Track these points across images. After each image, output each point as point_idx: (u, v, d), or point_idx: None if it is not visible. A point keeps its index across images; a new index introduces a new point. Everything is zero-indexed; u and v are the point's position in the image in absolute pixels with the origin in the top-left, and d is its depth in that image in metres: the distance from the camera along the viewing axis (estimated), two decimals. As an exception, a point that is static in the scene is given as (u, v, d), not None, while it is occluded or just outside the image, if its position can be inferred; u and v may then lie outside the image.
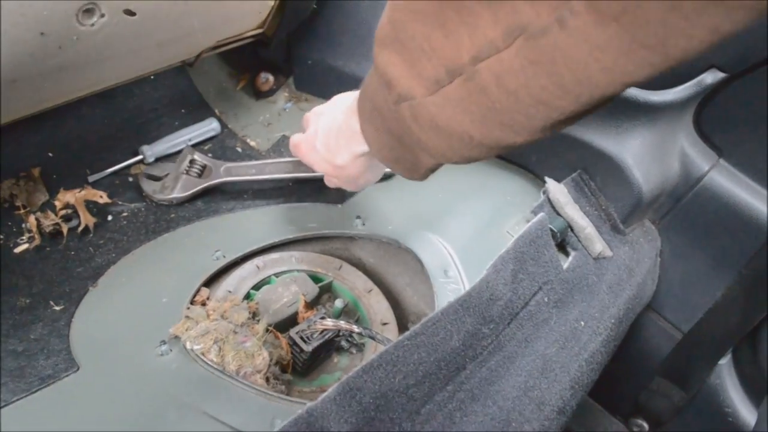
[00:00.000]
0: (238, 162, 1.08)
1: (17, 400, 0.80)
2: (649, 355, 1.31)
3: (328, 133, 0.83)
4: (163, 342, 0.87)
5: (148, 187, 1.06)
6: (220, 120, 1.37)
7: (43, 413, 0.79)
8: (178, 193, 1.06)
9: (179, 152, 1.27)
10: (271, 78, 1.42)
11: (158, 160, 1.26)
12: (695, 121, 1.09)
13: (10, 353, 0.87)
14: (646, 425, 1.38)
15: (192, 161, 1.06)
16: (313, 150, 0.86)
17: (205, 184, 1.08)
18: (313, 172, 0.96)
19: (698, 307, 1.19)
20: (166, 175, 1.08)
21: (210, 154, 1.12)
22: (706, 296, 1.17)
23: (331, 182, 0.92)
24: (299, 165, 1.01)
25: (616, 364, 1.17)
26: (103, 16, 0.82)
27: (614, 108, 1.04)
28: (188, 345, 0.85)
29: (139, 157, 1.25)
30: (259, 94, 1.44)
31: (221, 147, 1.32)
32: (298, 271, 1.02)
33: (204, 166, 1.07)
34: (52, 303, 0.97)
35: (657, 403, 1.32)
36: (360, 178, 0.85)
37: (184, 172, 1.07)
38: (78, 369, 0.85)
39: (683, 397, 1.27)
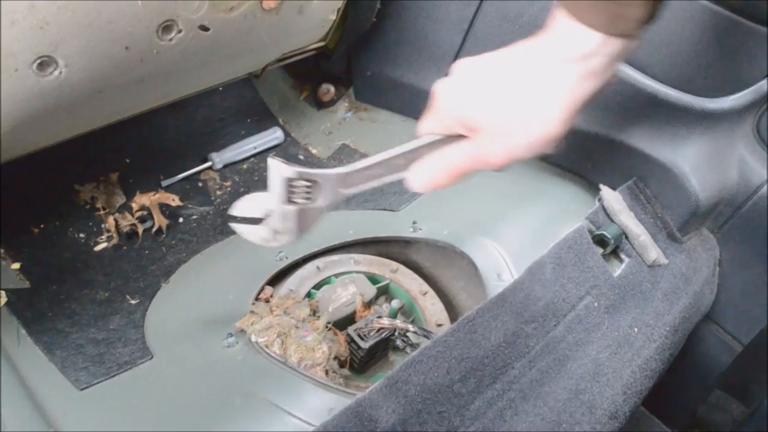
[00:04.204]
0: (350, 165, 0.72)
1: (98, 382, 0.87)
2: (707, 367, 1.29)
3: (497, 62, 0.65)
4: (230, 335, 0.92)
5: (253, 236, 0.77)
6: (283, 129, 1.43)
7: (121, 395, 0.85)
8: (298, 236, 0.76)
9: (247, 159, 1.33)
10: (332, 89, 1.48)
11: (226, 166, 1.34)
12: (756, 128, 1.08)
13: (91, 341, 0.95)
14: (704, 439, 1.36)
15: (291, 183, 0.72)
16: (471, 94, 0.65)
17: (324, 210, 0.75)
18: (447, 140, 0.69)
19: (759, 318, 1.16)
20: (267, 214, 0.76)
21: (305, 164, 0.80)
22: None
23: (490, 152, 0.65)
24: (432, 147, 0.70)
25: (674, 375, 1.16)
26: (180, 31, 0.88)
27: (670, 116, 1.04)
28: (253, 338, 0.90)
29: (209, 163, 1.33)
30: (320, 105, 1.50)
31: (285, 155, 1.39)
32: (356, 272, 1.07)
33: (309, 186, 0.73)
34: (128, 297, 1.04)
35: (716, 416, 1.30)
36: (566, 108, 0.62)
37: (287, 201, 0.74)
38: (152, 357, 0.91)
39: (743, 412, 1.24)
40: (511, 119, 0.62)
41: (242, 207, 0.77)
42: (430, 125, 0.70)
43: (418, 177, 0.70)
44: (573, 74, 0.61)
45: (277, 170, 0.72)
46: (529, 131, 0.63)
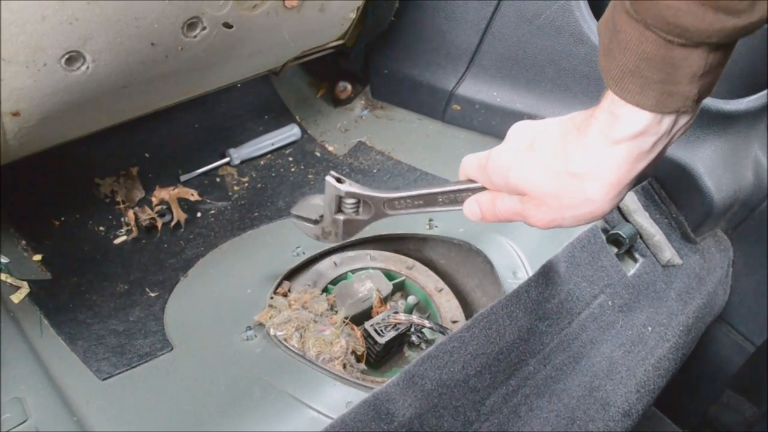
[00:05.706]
0: (395, 191, 0.81)
1: (119, 373, 0.88)
2: (719, 367, 1.29)
3: (551, 133, 0.64)
4: (249, 328, 0.93)
5: (308, 231, 0.90)
6: (300, 126, 1.45)
7: (142, 386, 0.87)
8: (343, 239, 0.89)
9: (264, 155, 1.35)
10: (349, 87, 1.50)
11: (244, 162, 1.35)
12: (771, 131, 1.09)
13: (112, 332, 0.96)
14: (715, 440, 1.36)
15: (342, 201, 0.85)
16: (522, 162, 0.64)
17: (367, 223, 0.87)
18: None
19: (772, 319, 1.17)
20: (321, 217, 0.88)
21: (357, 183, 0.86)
22: (780, 308, 1.15)
23: (537, 215, 0.66)
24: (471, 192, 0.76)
25: (686, 376, 1.16)
26: (204, 28, 0.90)
27: (686, 117, 1.05)
28: (272, 331, 0.91)
29: (226, 159, 1.34)
30: (337, 102, 1.51)
31: (301, 151, 1.40)
32: (373, 268, 1.08)
33: (357, 202, 0.84)
34: (147, 290, 1.05)
35: (727, 417, 1.30)
36: (615, 187, 0.60)
37: (337, 211, 0.86)
38: (172, 349, 0.92)
39: (755, 413, 1.24)
40: (560, 196, 0.63)
41: (302, 207, 0.90)
42: (475, 175, 0.72)
43: (471, 210, 0.74)
44: (623, 155, 0.59)
45: (332, 188, 0.83)
46: (577, 209, 0.63)
